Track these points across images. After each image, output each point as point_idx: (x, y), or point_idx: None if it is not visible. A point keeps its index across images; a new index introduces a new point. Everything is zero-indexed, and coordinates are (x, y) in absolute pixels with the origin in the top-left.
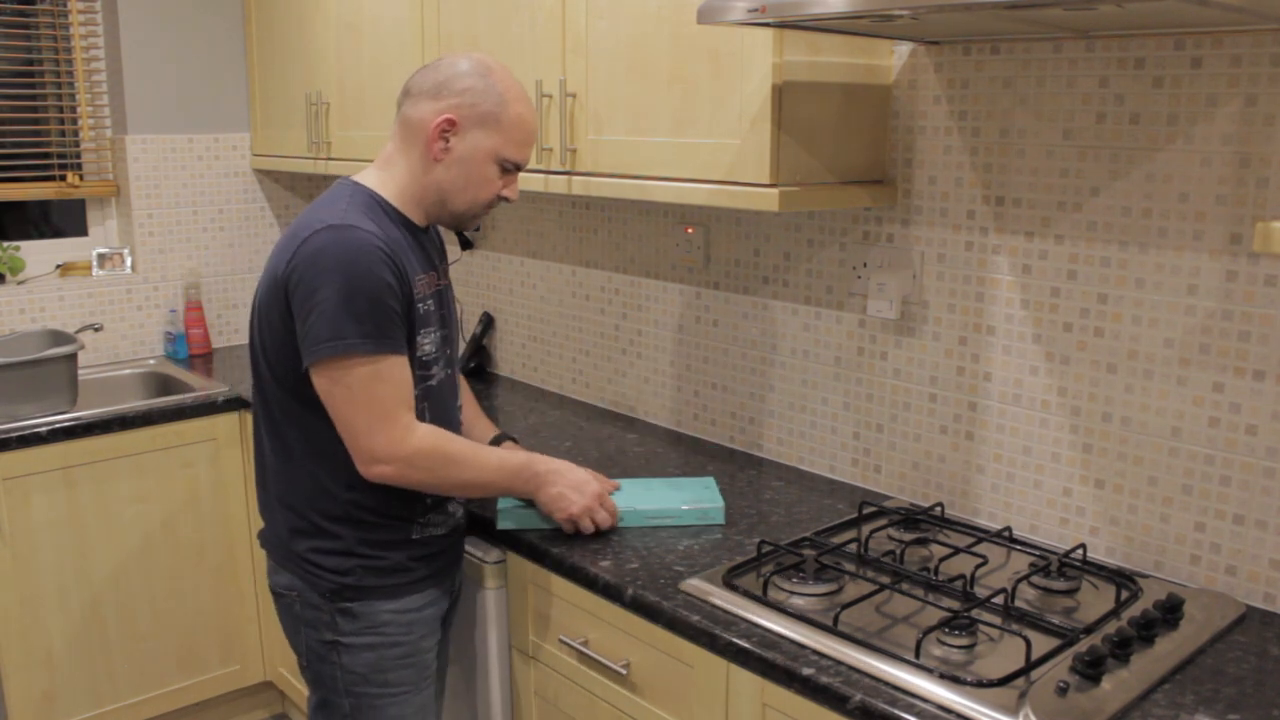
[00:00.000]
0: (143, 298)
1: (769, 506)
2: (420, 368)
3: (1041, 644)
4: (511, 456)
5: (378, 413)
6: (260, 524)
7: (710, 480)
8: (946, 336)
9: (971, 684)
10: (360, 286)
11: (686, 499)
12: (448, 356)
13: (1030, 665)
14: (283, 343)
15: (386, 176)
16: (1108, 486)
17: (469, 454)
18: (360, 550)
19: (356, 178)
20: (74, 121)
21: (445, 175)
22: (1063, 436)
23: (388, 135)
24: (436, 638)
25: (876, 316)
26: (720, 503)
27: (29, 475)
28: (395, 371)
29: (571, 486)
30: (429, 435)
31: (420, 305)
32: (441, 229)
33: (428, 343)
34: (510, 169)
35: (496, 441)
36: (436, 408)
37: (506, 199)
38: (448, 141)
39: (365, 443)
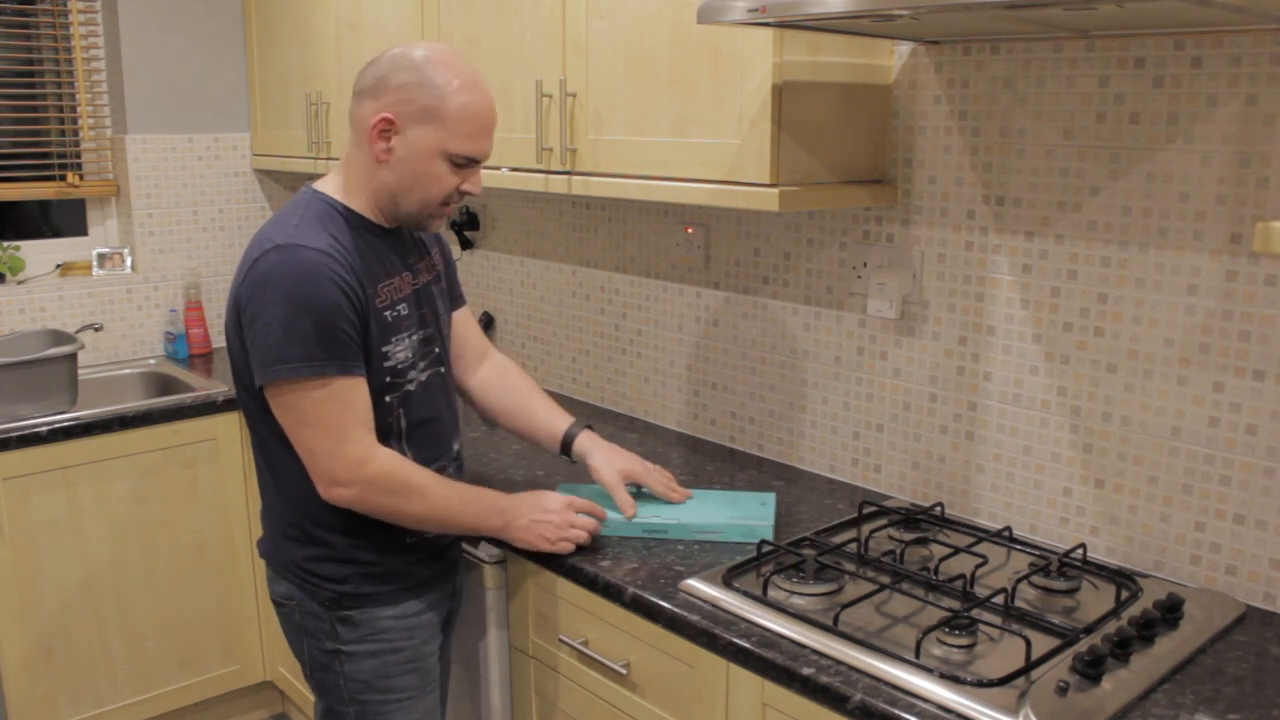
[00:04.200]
0: (143, 297)
1: None
2: (393, 375)
3: (1041, 644)
4: (481, 494)
5: (333, 435)
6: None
7: (770, 497)
8: (946, 336)
9: (971, 684)
10: (305, 309)
11: (734, 515)
12: (433, 355)
13: (1030, 665)
14: (246, 362)
15: (344, 180)
16: (1108, 486)
17: (433, 485)
18: (356, 557)
19: (317, 184)
20: (74, 121)
21: (391, 177)
22: (1063, 436)
23: None
24: (439, 641)
25: (876, 316)
26: (769, 520)
27: (29, 475)
28: (347, 393)
29: (538, 508)
30: (391, 460)
31: (388, 313)
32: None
33: (400, 350)
34: (463, 163)
35: (571, 434)
36: (419, 410)
37: (467, 193)
38: (389, 141)
39: (324, 464)
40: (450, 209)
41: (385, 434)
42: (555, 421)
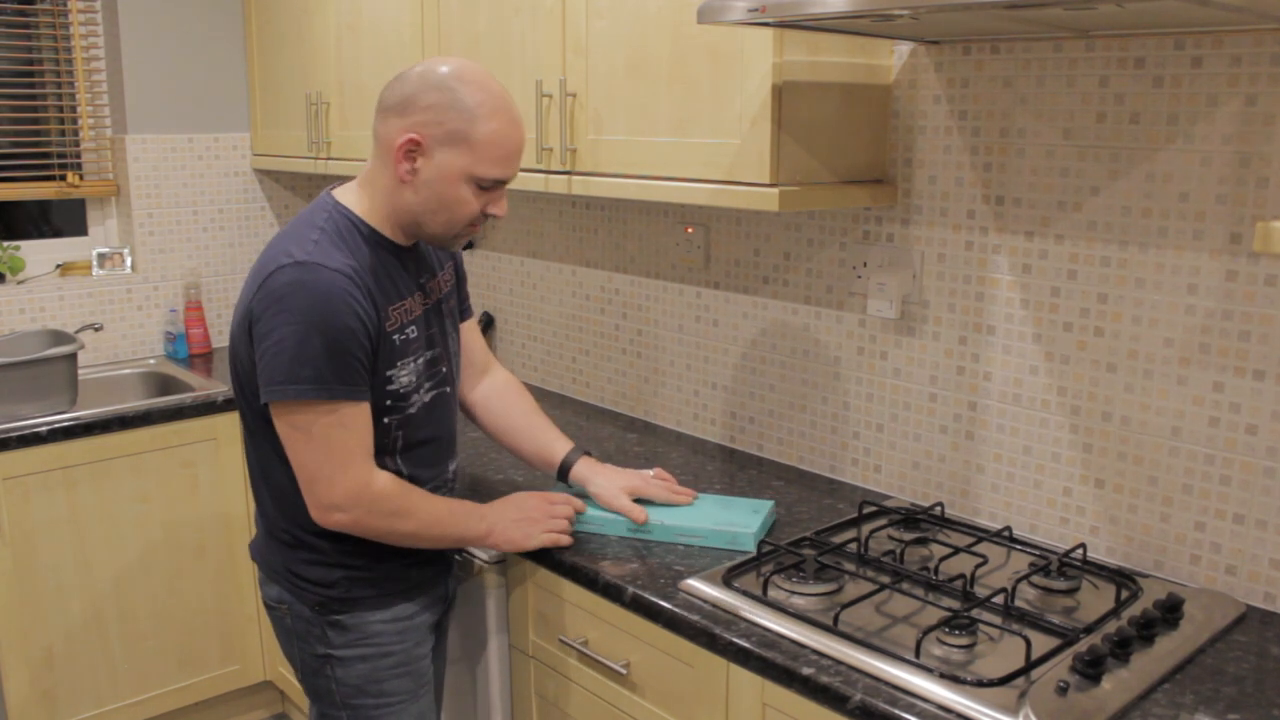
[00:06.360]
0: (143, 297)
1: None
2: (395, 399)
3: (1041, 643)
4: (464, 504)
5: (337, 461)
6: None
7: (766, 504)
8: (946, 336)
9: (971, 684)
10: (320, 331)
11: (721, 520)
12: (440, 375)
13: (1030, 665)
14: (250, 370)
15: (365, 195)
16: (1108, 486)
17: (421, 501)
18: (344, 561)
19: (338, 194)
20: (74, 121)
21: (415, 198)
22: (1063, 436)
23: None
24: (430, 644)
25: (876, 316)
26: (753, 529)
27: (29, 475)
28: (352, 418)
29: (516, 508)
30: (388, 481)
31: (396, 337)
32: None
33: (405, 374)
34: (489, 186)
35: (569, 460)
36: (419, 431)
37: (493, 216)
38: (414, 163)
39: (324, 490)
40: (476, 229)
41: (381, 452)
42: (554, 446)
